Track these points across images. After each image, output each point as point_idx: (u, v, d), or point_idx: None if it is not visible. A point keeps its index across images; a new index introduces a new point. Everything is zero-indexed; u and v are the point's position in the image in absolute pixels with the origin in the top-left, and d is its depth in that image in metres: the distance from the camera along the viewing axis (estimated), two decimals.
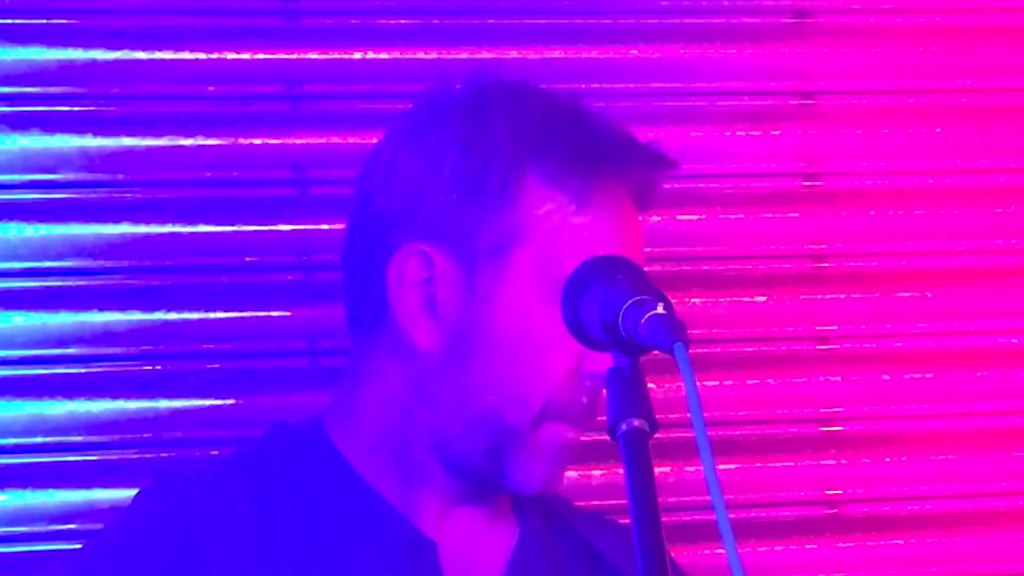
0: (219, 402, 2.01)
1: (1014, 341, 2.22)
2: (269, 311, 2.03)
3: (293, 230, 2.04)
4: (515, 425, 1.33)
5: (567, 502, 1.47)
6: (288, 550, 1.31)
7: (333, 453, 1.36)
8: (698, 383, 1.04)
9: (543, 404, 1.33)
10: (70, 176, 2.01)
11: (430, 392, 1.33)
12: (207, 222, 2.02)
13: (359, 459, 1.35)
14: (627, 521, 1.06)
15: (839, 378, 2.18)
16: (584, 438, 1.99)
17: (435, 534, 1.35)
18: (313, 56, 2.08)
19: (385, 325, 1.34)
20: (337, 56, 2.08)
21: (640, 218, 1.39)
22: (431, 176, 1.32)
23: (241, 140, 2.04)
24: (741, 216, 2.18)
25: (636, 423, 1.06)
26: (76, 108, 2.02)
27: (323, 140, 2.05)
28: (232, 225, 2.03)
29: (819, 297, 2.20)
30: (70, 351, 2.00)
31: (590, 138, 1.35)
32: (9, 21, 2.00)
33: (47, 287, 2.00)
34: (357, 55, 2.07)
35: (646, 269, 1.19)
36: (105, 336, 2.00)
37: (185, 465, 1.51)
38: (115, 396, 2.00)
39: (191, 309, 2.00)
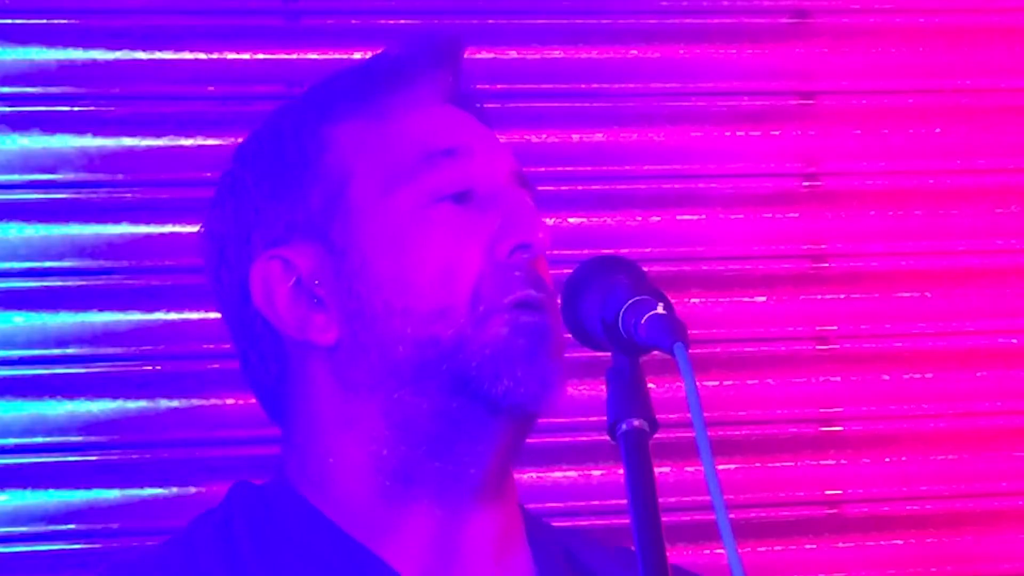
0: (219, 402, 2.01)
1: (1014, 341, 2.22)
2: None
3: None
4: (456, 334, 1.19)
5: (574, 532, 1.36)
6: None
7: (305, 509, 1.22)
8: (698, 383, 1.04)
9: (471, 298, 1.20)
10: (70, 176, 2.01)
11: (362, 374, 1.21)
12: None
13: (334, 506, 1.21)
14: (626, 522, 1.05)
15: (839, 378, 2.18)
16: (583, 438, 2.01)
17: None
18: (313, 56, 2.09)
19: (283, 352, 1.24)
20: (337, 56, 2.08)
21: (485, 126, 1.29)
22: (245, 198, 1.27)
23: (241, 140, 2.04)
24: (741, 216, 2.18)
25: (636, 423, 1.06)
26: (76, 108, 2.03)
27: None
28: None
29: (819, 297, 2.20)
30: (70, 351, 2.00)
31: (365, 66, 1.31)
32: (9, 21, 2.01)
33: (48, 287, 2.00)
34: (357, 55, 2.05)
35: (645, 270, 1.15)
36: (105, 336, 2.00)
37: (143, 551, 1.27)
38: (115, 396, 2.00)
39: (191, 309, 2.00)
